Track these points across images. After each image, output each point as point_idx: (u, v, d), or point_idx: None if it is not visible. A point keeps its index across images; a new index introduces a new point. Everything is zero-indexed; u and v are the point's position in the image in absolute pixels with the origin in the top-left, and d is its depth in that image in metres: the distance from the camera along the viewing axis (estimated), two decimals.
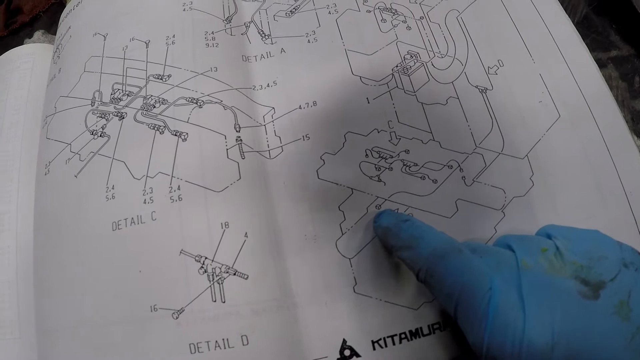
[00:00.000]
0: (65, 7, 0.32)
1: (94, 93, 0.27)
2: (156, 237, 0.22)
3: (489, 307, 0.17)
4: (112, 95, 0.26)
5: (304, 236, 0.23)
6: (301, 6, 0.29)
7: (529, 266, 0.17)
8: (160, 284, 0.22)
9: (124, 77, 0.27)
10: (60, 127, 0.27)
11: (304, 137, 0.25)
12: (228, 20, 0.28)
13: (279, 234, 0.23)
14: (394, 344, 0.21)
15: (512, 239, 0.19)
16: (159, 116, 0.25)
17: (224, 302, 0.21)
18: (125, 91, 0.26)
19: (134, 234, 0.23)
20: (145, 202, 0.23)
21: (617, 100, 0.26)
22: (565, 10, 0.28)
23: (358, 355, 0.21)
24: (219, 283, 0.21)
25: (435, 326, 0.21)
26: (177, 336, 0.21)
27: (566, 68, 0.26)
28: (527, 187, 0.23)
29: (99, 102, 0.26)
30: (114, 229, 0.23)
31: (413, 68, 0.26)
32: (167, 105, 0.25)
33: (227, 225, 0.22)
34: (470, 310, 0.17)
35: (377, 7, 0.28)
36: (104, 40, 0.28)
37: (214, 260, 0.22)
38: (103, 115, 0.26)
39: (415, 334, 0.21)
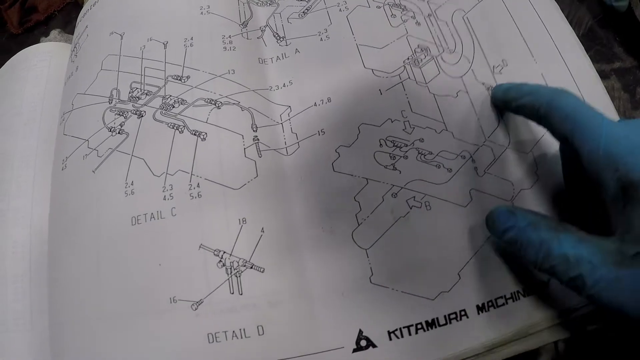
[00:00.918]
0: (80, 7, 0.33)
1: (111, 91, 0.27)
2: (176, 232, 0.23)
3: (603, 120, 0.19)
4: (130, 94, 0.27)
5: (320, 229, 0.23)
6: (313, 6, 0.29)
7: None
8: (180, 277, 0.22)
9: (142, 76, 0.27)
10: (77, 123, 0.27)
11: (319, 132, 0.25)
12: (244, 24, 0.29)
13: (296, 228, 0.23)
14: (410, 334, 0.21)
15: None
16: (179, 116, 0.25)
17: (242, 294, 0.22)
18: (144, 90, 0.27)
19: (154, 229, 0.23)
20: (165, 199, 0.24)
21: (618, 111, 0.27)
22: (571, 23, 0.30)
23: (374, 346, 0.21)
24: (236, 276, 0.22)
25: (451, 316, 0.22)
26: (195, 326, 0.21)
27: (565, 68, 0.27)
28: (533, 180, 0.24)
29: (117, 100, 0.27)
30: (134, 223, 0.23)
31: (424, 61, 0.27)
32: (186, 106, 0.26)
33: (244, 221, 0.23)
34: (588, 123, 0.19)
35: (386, 3, 0.29)
36: (121, 39, 0.29)
37: (232, 254, 0.22)
38: (121, 113, 0.26)
39: (431, 324, 0.21)
